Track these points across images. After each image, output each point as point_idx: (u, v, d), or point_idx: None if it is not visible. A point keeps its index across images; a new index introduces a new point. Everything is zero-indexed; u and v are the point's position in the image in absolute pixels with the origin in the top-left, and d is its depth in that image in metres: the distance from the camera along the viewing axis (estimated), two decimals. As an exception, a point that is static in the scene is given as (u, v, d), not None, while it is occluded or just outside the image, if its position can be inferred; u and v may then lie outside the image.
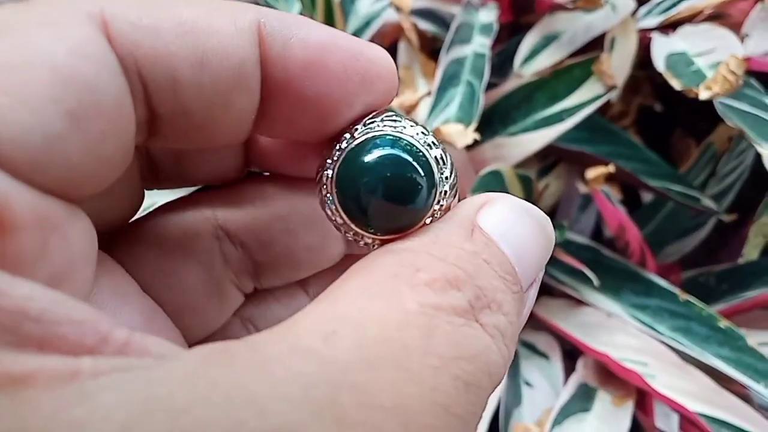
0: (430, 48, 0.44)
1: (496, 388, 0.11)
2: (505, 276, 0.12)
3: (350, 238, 0.13)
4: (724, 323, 0.38)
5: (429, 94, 0.38)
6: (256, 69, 0.12)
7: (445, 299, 0.11)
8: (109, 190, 0.11)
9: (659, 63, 0.39)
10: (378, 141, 0.13)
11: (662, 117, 0.51)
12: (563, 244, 0.39)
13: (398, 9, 0.42)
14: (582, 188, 0.40)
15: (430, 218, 0.13)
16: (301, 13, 0.43)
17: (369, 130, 0.13)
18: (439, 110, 0.35)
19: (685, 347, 0.37)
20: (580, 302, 0.40)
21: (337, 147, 0.13)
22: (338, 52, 0.12)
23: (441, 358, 0.10)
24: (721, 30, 0.41)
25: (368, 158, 0.12)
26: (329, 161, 0.13)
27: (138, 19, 0.11)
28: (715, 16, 0.42)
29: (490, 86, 0.39)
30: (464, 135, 0.32)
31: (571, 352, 0.39)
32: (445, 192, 0.13)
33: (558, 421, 0.35)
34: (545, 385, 0.38)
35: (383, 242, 0.13)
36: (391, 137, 0.13)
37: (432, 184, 0.13)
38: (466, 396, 0.10)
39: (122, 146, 0.11)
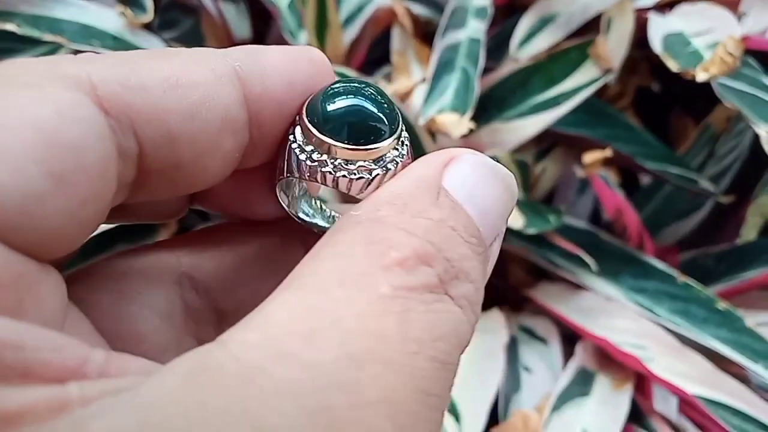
0: (424, 33, 0.43)
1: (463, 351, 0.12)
2: (470, 240, 0.12)
3: (327, 179, 0.13)
4: (722, 305, 0.38)
5: (424, 80, 0.38)
6: (242, 111, 0.12)
7: (417, 278, 0.11)
8: None
9: (656, 44, 0.38)
10: (333, 89, 0.13)
11: (660, 97, 0.50)
12: (561, 229, 0.39)
13: (391, -7, 0.41)
14: (579, 172, 0.40)
15: (392, 154, 0.13)
16: (292, 1, 0.42)
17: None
18: (434, 99, 0.35)
19: (684, 329, 0.38)
20: (578, 286, 0.40)
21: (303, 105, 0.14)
22: (301, 67, 0.13)
23: (418, 343, 0.10)
24: (718, 9, 0.40)
25: (331, 106, 0.13)
26: (294, 125, 0.13)
27: (126, 79, 0.11)
28: (713, -6, 0.41)
29: (486, 70, 0.38)
30: (459, 124, 0.32)
31: (570, 337, 0.40)
32: (404, 143, 0.14)
33: (557, 406, 0.35)
34: (544, 370, 0.38)
35: (351, 163, 0.13)
36: (352, 86, 0.13)
37: (394, 123, 0.13)
38: (442, 374, 0.11)
39: (99, 209, 0.11)
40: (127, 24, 0.45)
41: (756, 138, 0.37)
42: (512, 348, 0.39)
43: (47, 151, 0.10)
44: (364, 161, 0.13)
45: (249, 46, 0.13)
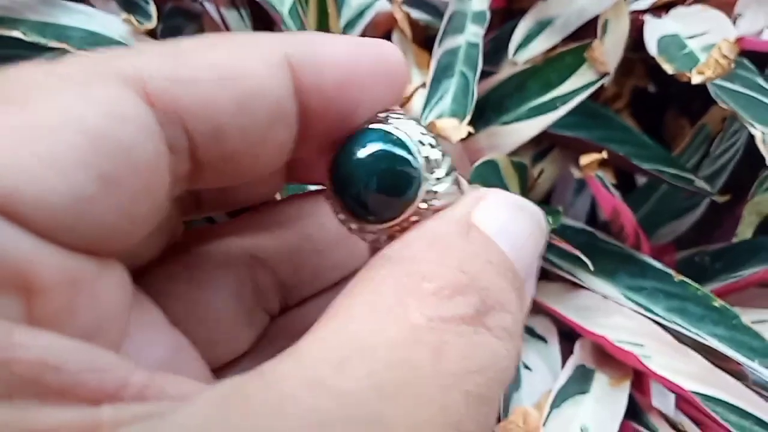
0: (424, 37, 0.44)
1: (505, 389, 0.11)
2: (505, 273, 0.12)
3: (357, 234, 0.14)
4: (718, 302, 0.39)
5: (423, 85, 0.39)
6: (293, 102, 0.12)
7: (452, 308, 0.11)
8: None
9: (651, 46, 0.39)
10: (369, 136, 0.13)
11: (656, 98, 0.51)
12: (559, 229, 0.40)
13: (391, -2, 0.42)
14: (576, 173, 0.40)
15: (424, 205, 0.13)
16: (293, 5, 0.43)
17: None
18: (433, 103, 0.36)
19: (681, 327, 0.38)
20: (576, 285, 0.40)
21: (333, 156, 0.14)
22: (364, 62, 0.13)
23: (452, 376, 0.10)
24: (713, 11, 0.41)
25: (360, 154, 0.13)
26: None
27: (174, 72, 0.11)
28: (708, -4, 0.42)
29: (483, 74, 0.39)
30: (459, 129, 0.32)
31: (569, 335, 0.40)
32: (435, 192, 0.13)
33: (557, 403, 0.36)
34: (544, 368, 0.39)
35: (388, 233, 0.13)
36: (382, 131, 0.13)
37: (418, 176, 0.13)
38: (477, 408, 0.10)
39: (156, 203, 0.11)
40: (131, 31, 0.45)
41: (751, 138, 0.38)
42: (512, 347, 0.40)
43: (95, 154, 0.10)
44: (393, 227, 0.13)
45: (308, 32, 0.13)
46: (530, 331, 0.41)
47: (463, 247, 0.12)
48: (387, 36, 0.42)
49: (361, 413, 0.09)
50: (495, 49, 0.42)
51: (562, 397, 0.36)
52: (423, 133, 0.14)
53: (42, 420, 0.08)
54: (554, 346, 0.40)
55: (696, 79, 0.36)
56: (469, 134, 0.34)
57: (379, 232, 0.13)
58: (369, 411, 0.09)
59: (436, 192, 0.13)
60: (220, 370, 0.14)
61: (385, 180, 0.13)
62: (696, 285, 0.39)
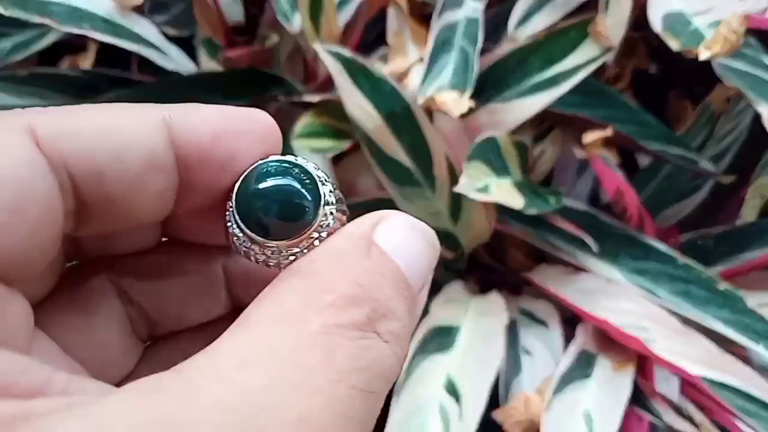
0: (420, 13, 0.42)
1: (392, 384, 0.13)
2: (397, 284, 0.14)
3: (259, 260, 0.15)
4: (723, 285, 0.38)
5: (421, 60, 0.37)
6: (168, 152, 0.14)
7: (346, 317, 0.13)
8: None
9: (656, 23, 0.38)
10: (264, 168, 0.15)
11: (658, 79, 0.50)
12: (560, 211, 0.39)
13: (386, -27, 0.40)
14: (579, 153, 0.39)
15: (323, 227, 0.15)
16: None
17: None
18: (432, 78, 0.34)
19: (685, 310, 0.37)
20: (578, 268, 0.39)
21: (236, 185, 0.15)
22: (234, 117, 0.15)
23: (339, 373, 0.12)
24: (718, -13, 0.40)
25: (261, 185, 0.15)
26: (230, 202, 0.15)
27: (61, 126, 0.13)
28: (713, -28, 0.41)
29: (483, 51, 0.38)
30: (459, 103, 0.31)
31: (571, 319, 0.39)
32: (331, 213, 0.15)
33: (559, 388, 0.35)
34: (545, 353, 0.38)
35: (288, 254, 0.15)
36: (277, 163, 0.15)
37: (317, 199, 0.15)
38: (362, 401, 0.12)
39: (53, 234, 0.13)
40: (117, 7, 0.44)
41: (756, 118, 0.37)
42: (512, 331, 0.39)
43: (2, 190, 0.12)
44: (293, 247, 0.15)
45: (188, 103, 0.15)
46: (530, 316, 0.40)
47: (361, 263, 0.14)
48: (382, 12, 0.41)
49: (260, 401, 0.11)
50: (495, 26, 0.41)
51: (564, 382, 0.35)
52: (314, 166, 0.16)
53: None
54: (555, 331, 0.39)
55: (704, 55, 0.34)
56: (470, 110, 0.33)
57: (280, 254, 0.15)
58: (267, 400, 0.11)
59: (331, 214, 0.15)
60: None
61: (285, 207, 0.15)
62: (700, 268, 0.38)
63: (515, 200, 0.34)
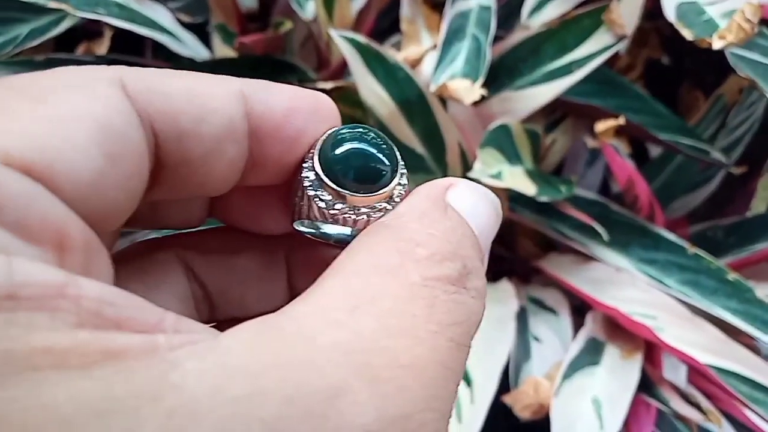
0: (434, 0, 0.42)
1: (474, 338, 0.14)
2: (475, 246, 0.15)
3: (339, 215, 0.15)
4: (732, 276, 0.38)
5: (434, 47, 0.38)
6: (243, 122, 0.15)
7: (442, 270, 0.13)
8: None
9: (669, 13, 0.38)
10: (339, 135, 0.16)
11: (670, 70, 0.50)
12: (571, 200, 0.39)
13: (400, -39, 0.40)
14: (590, 143, 0.39)
15: (398, 190, 0.16)
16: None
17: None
18: (444, 65, 0.34)
19: (694, 300, 0.37)
20: (588, 257, 0.40)
21: (309, 153, 0.16)
22: (305, 97, 0.16)
23: (439, 325, 0.13)
24: (732, -23, 0.39)
25: (338, 151, 0.15)
26: (306, 166, 0.15)
27: (151, 83, 0.14)
28: (727, -38, 0.41)
29: (496, 39, 0.38)
30: (471, 91, 0.31)
31: (580, 308, 0.40)
32: (405, 175, 0.16)
33: (568, 374, 0.35)
34: (554, 340, 0.38)
35: (367, 207, 0.15)
36: (350, 130, 0.16)
37: (394, 163, 0.16)
38: (457, 353, 0.13)
39: (139, 189, 0.13)
40: (134, -7, 0.44)
41: (769, 108, 0.37)
42: (522, 318, 0.39)
43: (102, 137, 0.12)
44: (378, 203, 0.15)
45: (260, 80, 0.16)
46: (540, 303, 0.41)
47: (444, 222, 0.15)
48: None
49: (374, 346, 0.11)
50: (508, 14, 0.41)
51: (573, 368, 0.36)
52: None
53: (110, 341, 0.10)
54: (565, 319, 0.39)
55: (717, 44, 0.34)
56: (482, 98, 0.33)
57: (363, 209, 0.15)
58: (380, 345, 0.12)
59: (404, 175, 0.16)
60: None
61: (363, 170, 0.15)
62: (710, 258, 0.38)
63: (528, 187, 0.34)
